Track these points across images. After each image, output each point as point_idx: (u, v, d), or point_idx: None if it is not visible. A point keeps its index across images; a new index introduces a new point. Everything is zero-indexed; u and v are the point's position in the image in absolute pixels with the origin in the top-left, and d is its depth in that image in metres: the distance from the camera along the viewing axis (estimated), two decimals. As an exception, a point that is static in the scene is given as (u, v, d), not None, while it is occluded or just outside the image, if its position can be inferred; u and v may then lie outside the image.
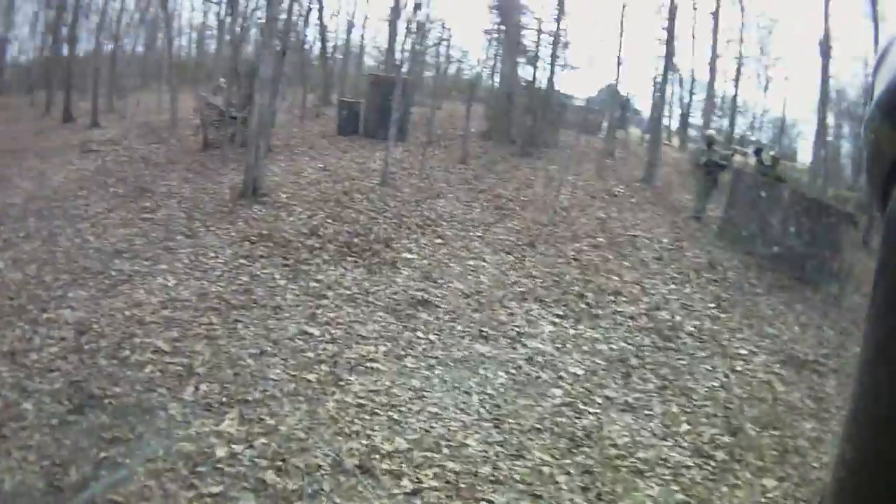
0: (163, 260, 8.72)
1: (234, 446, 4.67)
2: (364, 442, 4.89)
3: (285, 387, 5.68)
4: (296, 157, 14.89)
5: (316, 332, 6.79)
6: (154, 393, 5.52)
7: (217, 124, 15.67)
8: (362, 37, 28.99)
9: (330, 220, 10.43)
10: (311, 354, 6.32)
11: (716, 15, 20.86)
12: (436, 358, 6.28)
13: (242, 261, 8.79)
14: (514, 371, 6.13)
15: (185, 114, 18.35)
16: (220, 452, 4.55)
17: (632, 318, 7.83)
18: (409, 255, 9.11)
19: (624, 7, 19.98)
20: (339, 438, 4.91)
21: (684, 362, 6.90)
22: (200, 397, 5.45)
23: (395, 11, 22.71)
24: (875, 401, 0.37)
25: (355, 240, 9.63)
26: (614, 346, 7.00)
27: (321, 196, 11.79)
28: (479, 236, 10.14)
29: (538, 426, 5.22)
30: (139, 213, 10.66)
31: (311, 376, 5.89)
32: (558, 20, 18.97)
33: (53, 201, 11.08)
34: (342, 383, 5.78)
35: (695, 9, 21.41)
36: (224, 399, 5.43)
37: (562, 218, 11.43)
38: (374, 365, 6.12)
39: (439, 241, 9.81)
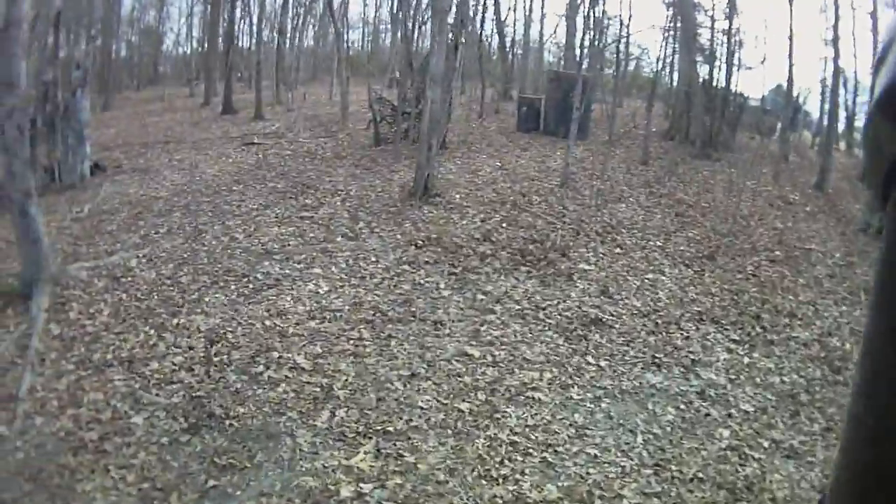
0: (318, 263, 9.27)
1: (362, 486, 4.69)
2: (511, 488, 5.00)
3: (433, 417, 5.80)
4: (472, 155, 16.37)
5: (477, 353, 7.02)
6: (283, 417, 5.70)
7: (390, 119, 17.71)
8: (541, 32, 34.28)
9: (505, 225, 11.13)
10: (467, 380, 6.49)
11: (874, 15, 22.91)
12: (603, 389, 6.68)
13: (406, 267, 9.21)
14: (684, 407, 6.57)
15: (358, 107, 20.32)
16: (346, 492, 4.54)
17: (805, 344, 8.49)
18: (586, 267, 9.83)
19: (791, 5, 23.06)
20: (484, 482, 5.02)
21: (850, 400, 6.91)
22: (335, 425, 5.52)
23: (573, 7, 26.97)
24: (874, 399, 0.45)
25: (530, 247, 10.21)
26: (786, 379, 7.55)
27: (497, 197, 12.66)
28: (659, 246, 11.12)
29: (700, 475, 5.52)
30: (298, 211, 11.55)
31: (465, 406, 6.03)
32: (730, 18, 22.39)
33: (204, 195, 12.46)
34: (498, 416, 5.95)
35: (853, 8, 25.18)
36: (361, 428, 5.50)
37: (741, 227, 12.74)
38: (536, 395, 6.37)
39: (619, 250, 10.71)
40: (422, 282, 8.81)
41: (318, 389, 6.08)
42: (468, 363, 6.81)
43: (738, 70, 24.49)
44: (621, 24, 26.17)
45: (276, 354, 6.69)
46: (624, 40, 24.82)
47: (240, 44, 33.84)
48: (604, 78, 23.41)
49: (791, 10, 25.36)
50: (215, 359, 6.61)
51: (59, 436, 5.58)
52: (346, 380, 6.27)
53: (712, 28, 22.83)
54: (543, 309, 8.29)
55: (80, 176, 13.18)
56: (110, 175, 14.25)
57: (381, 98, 18.49)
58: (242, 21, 32.47)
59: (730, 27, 22.41)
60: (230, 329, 7.24)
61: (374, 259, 9.49)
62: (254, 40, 30.46)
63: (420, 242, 10.04)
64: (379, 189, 12.95)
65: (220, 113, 23.51)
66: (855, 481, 0.47)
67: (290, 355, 6.68)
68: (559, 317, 8.13)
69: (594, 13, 24.14)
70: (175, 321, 7.41)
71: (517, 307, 8.27)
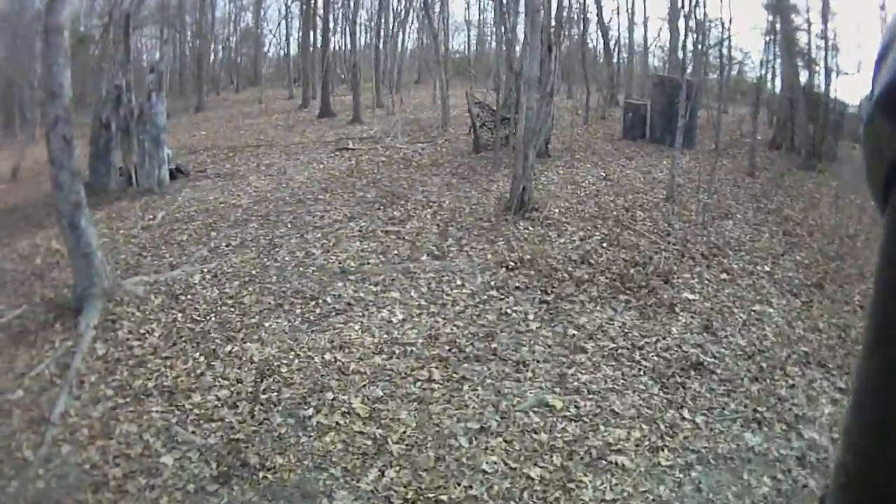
0: (396, 286, 8.88)
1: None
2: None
3: (496, 485, 5.25)
4: (576, 164, 16.10)
5: (559, 403, 6.40)
6: (325, 473, 5.29)
7: (490, 125, 17.50)
8: (644, 36, 35.00)
9: (605, 245, 10.60)
10: (543, 437, 5.89)
11: (967, 11, 21.17)
12: (697, 452, 6.00)
13: (493, 293, 8.69)
14: (781, 476, 5.93)
15: (461, 112, 20.30)
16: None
17: (912, 394, 7.38)
18: (689, 296, 9.27)
19: (882, 8, 21.97)
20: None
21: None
22: (382, 487, 5.07)
23: (674, 10, 27.36)
24: (874, 400, 0.47)
25: (632, 271, 9.65)
26: (888, 438, 6.48)
27: (599, 212, 12.18)
28: (766, 272, 10.62)
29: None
30: (384, 224, 11.26)
31: (536, 472, 5.44)
32: (825, 21, 21.98)
33: (286, 205, 12.38)
34: (571, 486, 5.35)
35: (938, 5, 22.69)
36: (411, 494, 5.02)
37: (848, 249, 12.32)
38: (620, 459, 5.73)
39: (725, 276, 10.18)
40: (509, 311, 8.28)
41: (369, 442, 5.64)
42: (547, 416, 6.20)
43: (837, 76, 24.12)
44: (723, 26, 26.10)
45: (330, 396, 6.30)
46: (726, 43, 24.60)
47: (340, 45, 34.81)
48: (708, 83, 23.61)
49: (884, 13, 24.72)
50: (263, 396, 6.30)
51: (84, 468, 5.45)
52: (405, 432, 5.80)
53: (808, 31, 22.66)
54: (640, 348, 7.65)
55: (157, 181, 13.42)
56: (192, 180, 14.46)
57: (479, 102, 18.43)
58: (343, 21, 33.30)
59: (825, 30, 22.15)
60: (285, 361, 6.92)
61: (459, 282, 9.03)
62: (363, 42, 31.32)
63: (512, 264, 9.53)
64: (474, 201, 12.55)
65: (317, 116, 24.00)
66: (855, 483, 0.47)
67: (345, 398, 6.28)
68: (657, 358, 7.49)
69: (696, 16, 24.52)
70: (228, 348, 7.17)
71: (611, 345, 7.66)
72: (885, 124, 0.46)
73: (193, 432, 5.80)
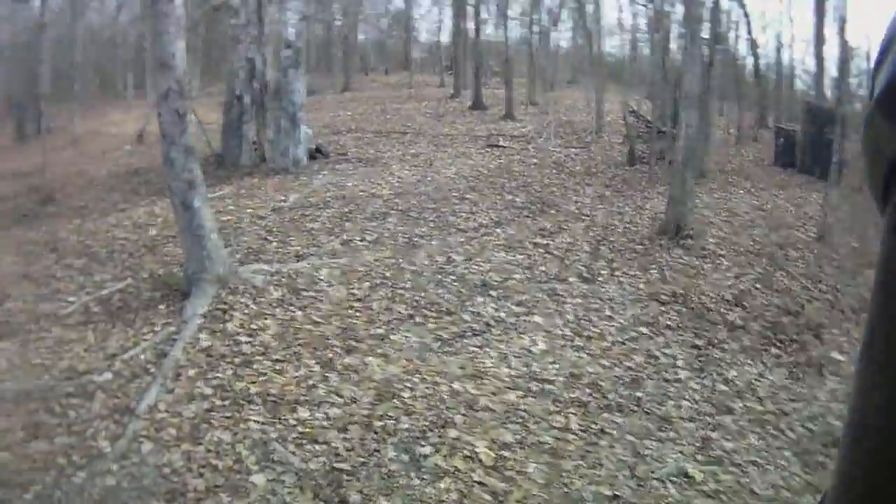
0: (540, 308, 8.20)
1: None
2: None
3: None
4: (729, 188, 15.39)
5: (699, 475, 5.54)
6: (434, 530, 4.69)
7: (644, 136, 17.22)
8: (791, 58, 34.12)
9: (759, 286, 9.79)
10: None
11: None
12: None
13: (643, 329, 7.94)
14: None
15: (615, 117, 19.89)
16: None
17: None
18: (838, 356, 8.44)
19: None
20: None
21: None
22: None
23: (819, 34, 26.43)
24: (870, 401, 0.47)
25: (784, 320, 8.86)
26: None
27: (753, 247, 11.38)
28: None
29: None
30: (533, 235, 10.64)
31: None
32: None
33: (430, 200, 11.92)
34: None
35: None
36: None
37: None
38: None
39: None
40: (658, 354, 7.50)
41: (488, 497, 4.93)
42: (684, 489, 5.36)
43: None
44: (868, 59, 24.56)
45: (453, 434, 5.64)
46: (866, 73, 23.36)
47: (493, 37, 34.73)
48: (853, 111, 22.39)
49: None
50: (378, 423, 5.71)
51: (163, 472, 5.07)
52: (529, 489, 5.05)
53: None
54: (787, 415, 6.78)
55: (293, 161, 13.39)
56: (331, 162, 14.33)
57: (633, 112, 18.22)
58: (496, 13, 33.13)
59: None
60: (409, 385, 6.31)
61: (608, 313, 8.30)
62: (515, 34, 31.30)
63: (664, 297, 8.81)
64: (627, 219, 11.92)
65: (468, 107, 24.01)
66: (852, 485, 0.48)
67: (470, 438, 5.60)
68: (801, 430, 6.61)
69: (842, 41, 23.80)
70: (347, 360, 6.65)
71: (759, 408, 6.83)
72: (885, 124, 0.46)
73: (293, 452, 5.29)
